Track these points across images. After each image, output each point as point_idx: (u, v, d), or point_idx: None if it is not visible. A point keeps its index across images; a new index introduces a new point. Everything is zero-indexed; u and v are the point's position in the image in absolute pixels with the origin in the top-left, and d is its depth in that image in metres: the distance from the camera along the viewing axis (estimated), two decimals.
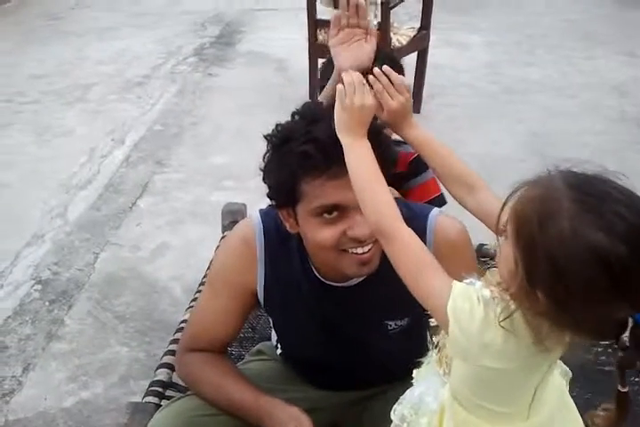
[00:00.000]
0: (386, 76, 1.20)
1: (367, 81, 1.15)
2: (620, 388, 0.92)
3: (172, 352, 1.64)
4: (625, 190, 0.86)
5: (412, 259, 0.99)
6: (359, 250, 1.19)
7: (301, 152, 1.15)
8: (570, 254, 0.82)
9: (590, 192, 0.85)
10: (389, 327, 1.35)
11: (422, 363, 1.14)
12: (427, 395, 1.07)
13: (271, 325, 1.53)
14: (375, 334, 1.36)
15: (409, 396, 1.10)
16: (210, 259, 2.66)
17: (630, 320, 0.85)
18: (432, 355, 1.11)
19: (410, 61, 3.87)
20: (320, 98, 1.55)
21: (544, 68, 4.73)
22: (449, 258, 1.25)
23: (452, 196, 1.20)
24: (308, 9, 3.55)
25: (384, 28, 3.42)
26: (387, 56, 1.77)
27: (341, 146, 1.09)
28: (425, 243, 1.25)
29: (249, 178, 3.40)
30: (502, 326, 0.90)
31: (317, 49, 3.69)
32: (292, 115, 1.25)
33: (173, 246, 2.87)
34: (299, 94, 4.36)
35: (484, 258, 1.96)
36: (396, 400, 1.30)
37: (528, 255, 0.86)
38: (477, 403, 1.00)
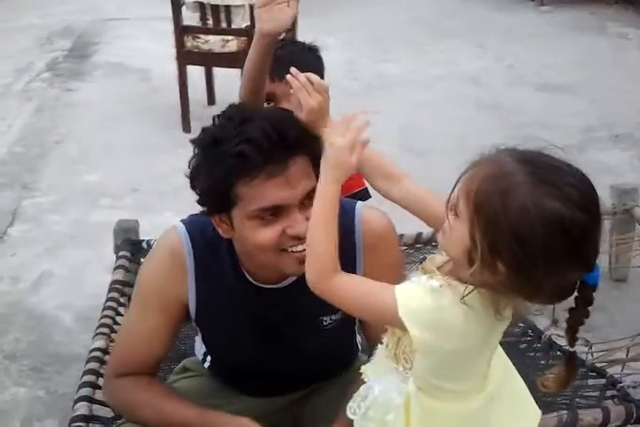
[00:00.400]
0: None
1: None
2: (568, 348, 0.98)
3: (89, 384, 1.56)
4: (565, 162, 0.92)
5: (358, 299, 1.03)
6: (299, 247, 1.17)
7: (237, 153, 1.12)
8: (533, 225, 0.87)
9: (540, 165, 0.90)
10: (324, 323, 1.34)
11: (367, 360, 1.17)
12: (389, 391, 1.07)
13: (199, 338, 1.48)
14: (311, 332, 1.35)
15: (370, 395, 1.10)
16: (97, 282, 2.59)
17: (578, 282, 0.92)
18: (380, 352, 1.12)
19: None
20: (246, 65, 1.55)
21: (400, 63, 4.91)
22: (376, 248, 1.29)
23: (377, 190, 1.21)
24: (173, 16, 3.47)
25: (252, 30, 3.39)
26: (309, 47, 1.83)
27: (277, 143, 1.11)
28: (353, 235, 1.30)
29: (126, 194, 3.29)
30: (464, 303, 0.93)
31: (185, 56, 3.62)
32: (216, 117, 1.21)
33: (57, 274, 2.71)
34: (166, 103, 4.27)
35: (418, 244, 2.06)
36: (338, 396, 1.32)
37: (490, 229, 0.89)
38: (441, 386, 1.03)
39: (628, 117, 4.07)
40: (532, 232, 0.87)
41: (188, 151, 3.82)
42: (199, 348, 1.54)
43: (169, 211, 3.04)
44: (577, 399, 1.64)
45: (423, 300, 0.96)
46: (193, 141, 1.23)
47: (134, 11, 6.44)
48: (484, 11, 6.26)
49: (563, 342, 1.66)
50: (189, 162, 1.22)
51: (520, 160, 0.91)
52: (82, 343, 2.33)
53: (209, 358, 1.49)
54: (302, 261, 1.17)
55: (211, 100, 4.24)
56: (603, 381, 1.70)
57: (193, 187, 1.22)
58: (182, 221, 1.35)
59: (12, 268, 2.75)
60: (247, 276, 1.31)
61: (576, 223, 0.88)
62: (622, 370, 1.80)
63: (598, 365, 1.75)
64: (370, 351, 1.57)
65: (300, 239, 1.16)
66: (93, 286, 2.63)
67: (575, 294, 0.95)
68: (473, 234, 0.91)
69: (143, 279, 1.36)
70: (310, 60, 1.82)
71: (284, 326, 1.34)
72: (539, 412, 1.16)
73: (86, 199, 3.24)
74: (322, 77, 1.38)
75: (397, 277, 1.34)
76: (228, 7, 3.38)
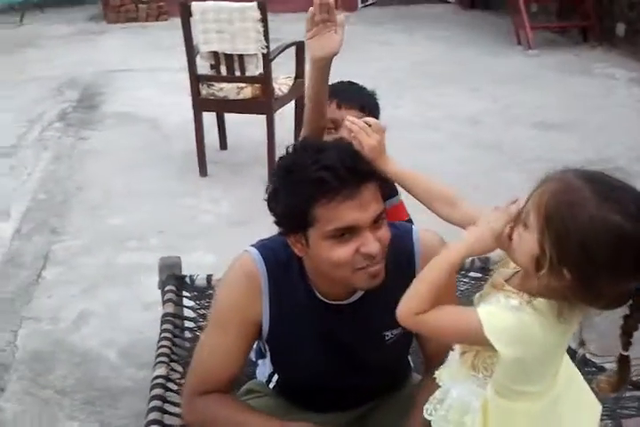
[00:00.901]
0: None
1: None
2: (622, 351, 1.09)
3: (157, 409, 1.63)
4: (621, 181, 1.06)
5: (446, 329, 1.15)
6: (370, 268, 1.30)
7: (316, 178, 1.24)
8: (598, 235, 0.99)
9: (602, 183, 1.04)
10: (387, 338, 1.45)
11: (441, 366, 1.29)
12: (466, 395, 1.19)
13: (262, 361, 1.58)
14: (375, 346, 1.45)
15: (448, 398, 1.22)
16: (135, 319, 2.68)
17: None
18: (453, 358, 1.25)
19: (288, 109, 4.08)
20: (306, 88, 1.69)
21: (404, 108, 5.11)
22: None
23: (439, 215, 1.34)
24: (189, 65, 3.65)
25: (267, 78, 3.60)
26: (369, 95, 1.95)
27: (351, 170, 1.25)
28: (413, 256, 1.42)
29: (151, 236, 3.41)
30: (540, 314, 1.06)
31: (201, 103, 3.78)
32: (289, 147, 1.35)
33: (95, 313, 2.79)
34: (179, 149, 4.44)
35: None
36: (399, 410, 1.43)
37: (559, 238, 1.02)
38: (518, 390, 1.15)
39: (622, 152, 4.27)
40: (597, 242, 1.00)
41: (210, 193, 4.05)
42: (263, 370, 1.64)
43: (198, 250, 3.17)
44: (618, 410, 1.75)
45: (505, 319, 1.08)
46: (275, 166, 1.37)
47: (135, 62, 6.69)
48: (474, 56, 6.56)
49: (595, 359, 1.80)
50: (266, 188, 1.35)
51: (585, 178, 1.05)
52: (128, 377, 2.43)
53: (275, 377, 1.59)
54: (374, 276, 1.31)
55: (223, 144, 4.41)
56: (637, 393, 1.81)
57: (271, 209, 1.35)
58: (253, 245, 1.47)
59: (50, 309, 2.83)
60: (317, 293, 1.42)
61: (636, 236, 1.00)
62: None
63: (634, 379, 1.86)
64: (419, 369, 1.70)
65: (373, 257, 1.29)
66: (131, 322, 2.74)
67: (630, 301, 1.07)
68: (542, 243, 1.04)
69: (221, 302, 1.45)
70: (372, 100, 1.96)
71: (350, 341, 1.44)
72: (599, 405, 1.28)
73: (113, 242, 3.35)
74: (378, 119, 1.54)
75: (453, 296, 1.49)
76: (241, 56, 3.56)
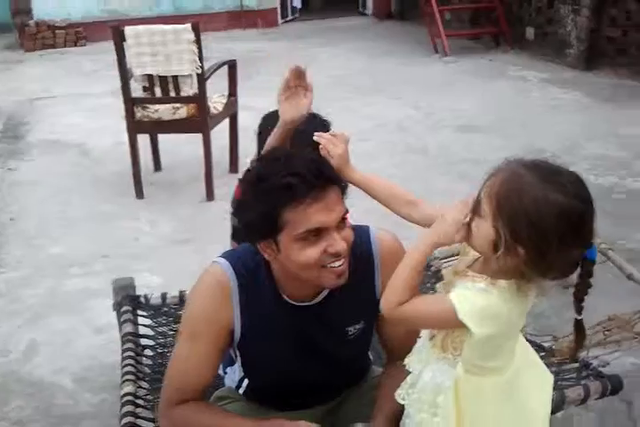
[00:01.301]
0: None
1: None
2: (577, 316, 1.22)
3: (130, 425, 1.67)
4: (558, 165, 1.18)
5: (424, 318, 1.26)
6: (336, 264, 1.38)
7: (285, 184, 1.32)
8: (544, 214, 1.12)
9: (542, 168, 1.17)
10: (349, 333, 1.53)
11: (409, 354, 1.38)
12: (437, 376, 1.29)
13: (231, 368, 1.62)
14: (340, 342, 1.53)
15: (420, 381, 1.31)
16: (86, 345, 2.67)
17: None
18: (420, 345, 1.35)
19: (223, 127, 4.13)
20: (267, 144, 1.74)
21: (332, 120, 5.21)
22: (392, 264, 1.50)
23: (400, 215, 1.43)
24: (123, 88, 3.65)
25: (202, 97, 3.64)
26: (320, 121, 2.04)
27: (317, 175, 1.33)
28: (371, 255, 1.51)
29: (95, 261, 3.39)
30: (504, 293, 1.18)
31: (136, 125, 3.79)
32: (259, 160, 1.44)
33: (45, 342, 2.76)
34: (111, 173, 4.42)
35: None
36: (366, 400, 1.53)
37: (510, 220, 1.13)
38: (484, 366, 1.25)
39: (542, 149, 4.49)
40: (542, 219, 1.12)
41: (148, 215, 4.06)
42: (233, 377, 1.69)
43: (144, 272, 3.16)
44: (559, 382, 1.88)
45: (476, 301, 1.18)
46: (240, 180, 1.44)
47: (58, 89, 6.61)
48: (395, 65, 6.78)
49: (534, 339, 1.93)
50: (232, 201, 1.41)
51: (527, 166, 1.17)
52: (86, 402, 2.43)
53: (245, 382, 1.64)
54: (339, 275, 1.40)
55: (157, 165, 4.42)
56: (576, 365, 1.95)
57: (239, 219, 1.42)
58: (221, 256, 1.52)
59: None
60: (284, 296, 1.49)
61: (575, 210, 1.13)
62: (587, 354, 2.04)
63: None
64: (377, 362, 1.78)
65: (339, 256, 1.37)
66: (83, 348, 2.72)
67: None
68: (497, 227, 1.16)
69: (193, 312, 1.50)
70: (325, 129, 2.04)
71: (317, 339, 1.52)
72: (551, 375, 1.39)
73: (55, 270, 3.31)
74: None
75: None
76: (175, 77, 3.60)
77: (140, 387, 1.90)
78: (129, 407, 1.76)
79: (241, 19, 8.96)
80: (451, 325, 1.22)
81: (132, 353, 2.01)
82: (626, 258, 2.36)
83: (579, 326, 1.24)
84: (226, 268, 1.47)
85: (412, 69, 6.64)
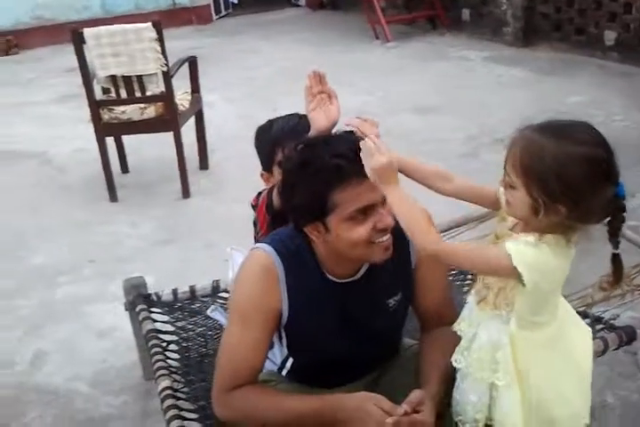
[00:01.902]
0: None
1: None
2: (613, 250, 1.31)
3: (177, 416, 1.71)
4: (567, 120, 1.27)
5: (468, 259, 1.32)
6: (384, 238, 1.45)
7: (334, 166, 1.38)
8: (569, 168, 1.21)
9: (554, 127, 1.26)
10: (390, 305, 1.61)
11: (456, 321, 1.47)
12: (495, 334, 1.38)
13: (275, 350, 1.68)
14: (381, 315, 1.60)
15: (476, 341, 1.40)
16: (93, 348, 2.66)
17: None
18: (468, 309, 1.44)
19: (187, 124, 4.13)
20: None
21: (289, 110, 5.27)
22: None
23: (435, 190, 1.48)
24: (87, 92, 3.60)
25: (170, 95, 3.63)
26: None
27: (356, 158, 1.37)
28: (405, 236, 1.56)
29: (83, 267, 3.36)
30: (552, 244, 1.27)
31: (104, 128, 3.75)
32: (295, 146, 1.48)
33: (50, 351, 2.74)
34: (79, 178, 4.36)
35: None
36: (405, 367, 1.63)
37: (543, 184, 1.22)
38: (535, 321, 1.34)
39: (498, 124, 4.66)
40: (570, 173, 1.21)
41: (126, 218, 4.05)
42: (274, 359, 1.74)
43: (134, 274, 3.14)
44: None
45: (528, 252, 1.26)
46: (283, 167, 1.49)
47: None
48: (337, 54, 6.85)
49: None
50: (277, 187, 1.46)
51: (539, 129, 1.26)
52: (107, 404, 2.43)
53: (289, 363, 1.70)
54: (387, 249, 1.47)
55: (124, 167, 4.38)
56: (588, 320, 2.08)
57: (286, 205, 1.48)
58: (262, 241, 1.57)
59: None
60: (327, 275, 1.55)
61: (597, 156, 1.22)
62: (590, 310, 2.18)
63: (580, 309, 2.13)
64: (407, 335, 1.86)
65: (386, 231, 1.44)
66: (90, 353, 2.72)
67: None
68: (531, 193, 1.24)
69: (243, 298, 1.53)
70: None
71: (360, 313, 1.58)
72: (589, 329, 1.50)
73: (44, 280, 3.27)
74: None
75: (443, 266, 1.67)
76: (139, 77, 3.58)
77: (175, 380, 1.94)
78: (170, 401, 1.81)
79: (175, 17, 8.85)
80: (500, 271, 1.29)
81: (159, 349, 2.05)
82: None
83: (617, 260, 1.33)
84: (270, 252, 1.52)
85: (357, 57, 6.73)
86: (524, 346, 1.35)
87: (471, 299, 1.44)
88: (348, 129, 1.51)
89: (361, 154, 1.37)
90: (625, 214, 1.28)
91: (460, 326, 1.45)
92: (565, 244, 1.29)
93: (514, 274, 1.27)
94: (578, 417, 1.44)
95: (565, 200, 1.22)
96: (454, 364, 1.44)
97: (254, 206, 1.86)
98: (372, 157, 1.34)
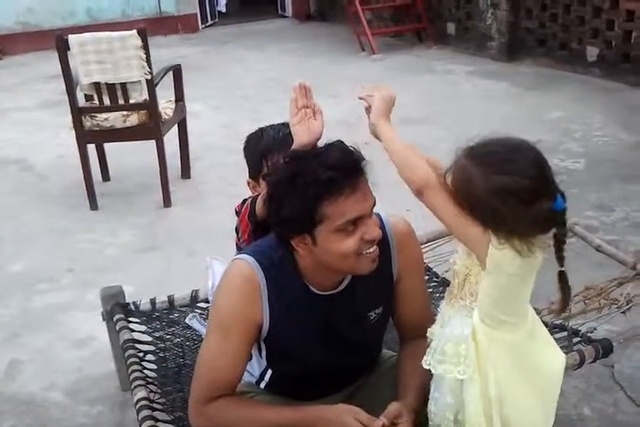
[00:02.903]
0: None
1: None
2: (560, 268, 1.32)
3: None
4: (499, 142, 1.30)
5: (451, 214, 1.32)
6: (371, 249, 1.45)
7: (326, 179, 1.37)
8: (494, 202, 1.24)
9: (484, 155, 1.28)
10: (371, 317, 1.60)
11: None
12: (458, 328, 1.38)
13: (254, 361, 1.66)
14: (362, 327, 1.60)
15: (442, 337, 1.40)
16: (70, 358, 2.63)
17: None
18: (442, 310, 1.44)
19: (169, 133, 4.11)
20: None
21: (271, 119, 5.26)
22: (406, 246, 1.60)
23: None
24: (69, 98, 3.58)
25: (153, 103, 3.62)
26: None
27: (351, 167, 1.39)
28: (387, 239, 1.57)
29: (61, 275, 3.33)
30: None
31: (86, 135, 3.73)
32: (284, 159, 1.48)
33: (26, 360, 2.70)
34: (59, 186, 4.33)
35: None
36: (384, 382, 1.61)
37: (473, 210, 1.28)
38: (498, 317, 1.34)
39: (481, 137, 4.69)
40: (493, 202, 1.25)
41: (106, 226, 4.01)
42: (252, 371, 1.72)
43: (113, 283, 3.11)
44: None
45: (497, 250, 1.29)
46: (269, 179, 1.48)
47: None
48: (324, 64, 6.88)
49: None
50: (262, 198, 1.46)
51: (471, 156, 1.29)
52: (83, 413, 2.41)
53: (268, 375, 1.68)
54: (374, 260, 1.47)
55: (105, 176, 4.35)
56: (565, 333, 2.09)
57: (272, 219, 1.46)
58: (244, 252, 1.56)
59: None
60: (310, 287, 1.54)
61: (519, 188, 1.23)
62: (568, 324, 2.18)
63: (558, 321, 2.14)
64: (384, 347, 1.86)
65: (373, 242, 1.44)
66: (67, 362, 2.69)
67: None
68: (474, 217, 1.29)
69: (223, 308, 1.52)
70: None
71: (341, 326, 1.58)
72: (563, 356, 1.49)
73: (21, 288, 3.23)
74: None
75: (422, 268, 1.68)
76: (123, 84, 3.57)
77: (151, 391, 1.92)
78: (146, 412, 1.79)
79: (161, 25, 8.84)
80: (477, 247, 1.30)
81: (136, 359, 2.03)
82: None
83: (562, 278, 1.33)
84: (252, 263, 1.51)
85: (342, 68, 6.76)
86: (485, 340, 1.35)
87: (443, 302, 1.45)
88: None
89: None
90: (566, 228, 1.30)
91: (433, 329, 1.45)
92: (523, 249, 1.28)
93: (481, 242, 1.28)
94: None
95: (497, 225, 1.26)
96: (424, 365, 1.43)
97: (237, 212, 1.85)
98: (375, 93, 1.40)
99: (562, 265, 1.32)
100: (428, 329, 1.47)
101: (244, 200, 1.85)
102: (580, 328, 2.10)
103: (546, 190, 1.25)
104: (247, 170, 1.97)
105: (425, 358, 1.43)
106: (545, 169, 1.27)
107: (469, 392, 1.37)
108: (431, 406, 1.46)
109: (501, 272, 1.30)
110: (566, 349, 2.01)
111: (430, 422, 1.48)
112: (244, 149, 2.02)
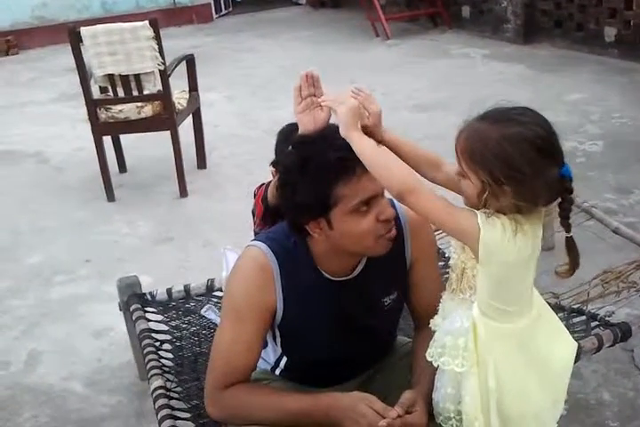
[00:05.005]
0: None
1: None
2: (567, 234, 1.30)
3: (168, 416, 1.70)
4: (513, 106, 1.29)
5: (440, 215, 1.29)
6: (390, 231, 1.45)
7: (338, 159, 1.36)
8: (510, 148, 1.22)
9: (494, 115, 1.28)
10: (385, 303, 1.59)
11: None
12: (458, 321, 1.35)
13: (269, 348, 1.66)
14: (376, 313, 1.59)
15: (443, 329, 1.38)
16: (88, 348, 2.66)
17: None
18: (443, 305, 1.42)
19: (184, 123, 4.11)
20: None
21: (288, 108, 5.25)
22: (419, 232, 1.59)
23: (423, 177, 1.45)
24: (83, 91, 3.59)
25: (167, 94, 3.62)
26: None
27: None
28: (401, 224, 1.55)
29: (79, 267, 3.36)
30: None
31: (101, 127, 3.74)
32: (292, 144, 1.47)
33: (46, 351, 2.74)
34: (76, 178, 4.36)
35: None
36: (398, 366, 1.59)
37: (487, 167, 1.23)
38: (498, 308, 1.31)
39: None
40: (510, 153, 1.22)
41: (124, 217, 4.03)
42: (267, 358, 1.72)
43: (131, 273, 3.13)
44: (572, 335, 1.98)
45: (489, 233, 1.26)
46: (280, 167, 1.47)
47: None
48: (340, 51, 6.83)
49: None
50: (276, 187, 1.46)
51: (480, 118, 1.28)
52: (102, 404, 2.42)
53: (283, 362, 1.67)
54: (390, 240, 1.46)
55: (122, 167, 4.37)
56: (583, 317, 2.06)
57: (286, 205, 1.46)
58: (257, 239, 1.55)
59: None
60: (323, 273, 1.53)
61: (535, 135, 1.22)
62: (586, 308, 2.15)
63: (576, 306, 2.11)
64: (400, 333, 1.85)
65: (389, 222, 1.44)
66: (86, 353, 2.71)
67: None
68: (480, 179, 1.25)
69: (237, 295, 1.51)
70: None
71: (356, 312, 1.56)
72: (575, 343, 1.46)
73: (39, 280, 3.27)
74: None
75: (435, 254, 1.66)
76: (137, 75, 3.57)
77: (168, 380, 1.93)
78: (163, 400, 1.79)
79: (175, 16, 8.84)
80: (463, 228, 1.27)
81: (152, 349, 2.04)
82: None
83: (570, 244, 1.31)
84: (265, 250, 1.50)
85: (357, 54, 6.71)
86: (485, 333, 1.32)
87: (445, 293, 1.43)
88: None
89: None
90: (573, 196, 1.28)
91: (434, 320, 1.43)
92: (517, 228, 1.26)
93: (474, 233, 1.25)
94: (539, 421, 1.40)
95: (510, 181, 1.23)
96: (427, 357, 1.40)
97: (255, 195, 1.85)
98: (338, 108, 1.36)
99: (568, 231, 1.30)
100: (431, 320, 1.44)
101: (263, 184, 1.84)
102: (598, 312, 2.07)
103: (558, 150, 1.25)
104: (269, 157, 1.95)
105: (428, 350, 1.41)
106: (554, 132, 1.26)
107: (467, 384, 1.35)
108: (434, 396, 1.45)
109: (494, 262, 1.27)
110: (584, 333, 1.99)
111: (434, 411, 1.46)
112: (278, 136, 2.02)
